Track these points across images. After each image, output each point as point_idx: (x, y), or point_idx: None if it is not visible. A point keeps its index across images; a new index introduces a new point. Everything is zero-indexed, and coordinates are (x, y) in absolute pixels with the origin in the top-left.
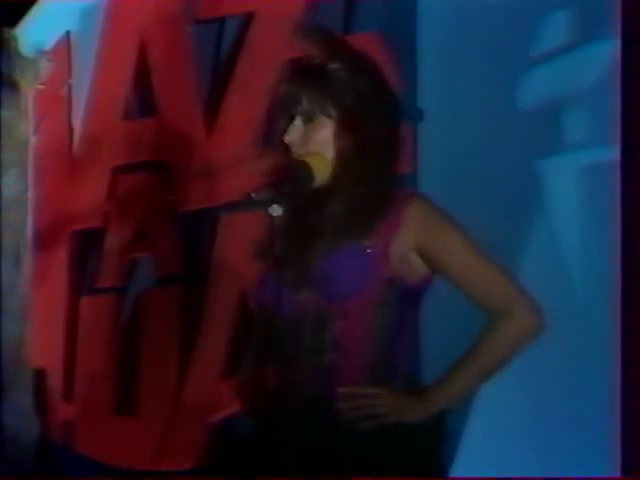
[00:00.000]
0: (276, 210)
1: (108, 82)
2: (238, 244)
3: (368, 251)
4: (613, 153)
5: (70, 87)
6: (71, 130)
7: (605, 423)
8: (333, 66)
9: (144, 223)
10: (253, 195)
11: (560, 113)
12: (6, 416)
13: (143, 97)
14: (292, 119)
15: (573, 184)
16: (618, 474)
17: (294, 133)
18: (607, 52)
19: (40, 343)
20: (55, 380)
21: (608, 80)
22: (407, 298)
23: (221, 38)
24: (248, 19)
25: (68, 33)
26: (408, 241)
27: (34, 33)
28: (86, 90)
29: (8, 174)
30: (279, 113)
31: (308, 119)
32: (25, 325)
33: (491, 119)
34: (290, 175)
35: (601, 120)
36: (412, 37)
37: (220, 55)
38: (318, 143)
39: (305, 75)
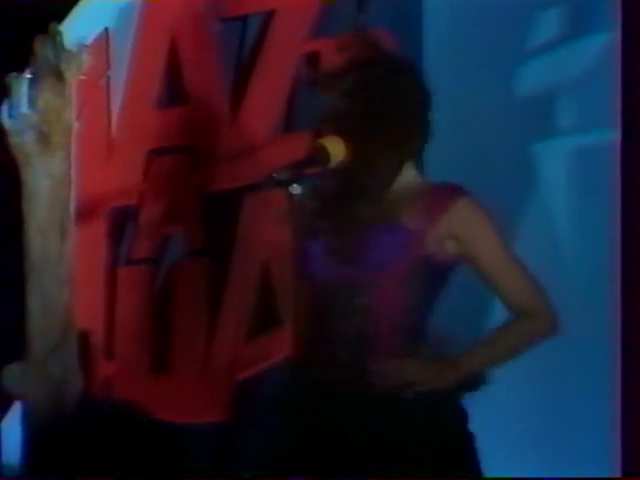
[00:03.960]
0: (296, 189)
1: (143, 74)
2: (260, 220)
3: (406, 230)
4: (606, 137)
5: (109, 78)
6: (110, 117)
7: (605, 423)
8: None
9: (175, 202)
10: (275, 175)
11: (556, 100)
12: (55, 369)
13: (174, 87)
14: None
15: (567, 166)
16: (618, 474)
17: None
18: (604, 42)
19: (84, 307)
20: (97, 340)
21: (603, 69)
22: (436, 274)
23: (244, 34)
24: (269, 16)
25: (107, 29)
26: (448, 230)
27: (77, 29)
28: (123, 81)
29: (55, 156)
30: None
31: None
32: (71, 291)
33: (492, 106)
34: (309, 157)
35: (595, 106)
36: (418, 32)
37: (244, 50)
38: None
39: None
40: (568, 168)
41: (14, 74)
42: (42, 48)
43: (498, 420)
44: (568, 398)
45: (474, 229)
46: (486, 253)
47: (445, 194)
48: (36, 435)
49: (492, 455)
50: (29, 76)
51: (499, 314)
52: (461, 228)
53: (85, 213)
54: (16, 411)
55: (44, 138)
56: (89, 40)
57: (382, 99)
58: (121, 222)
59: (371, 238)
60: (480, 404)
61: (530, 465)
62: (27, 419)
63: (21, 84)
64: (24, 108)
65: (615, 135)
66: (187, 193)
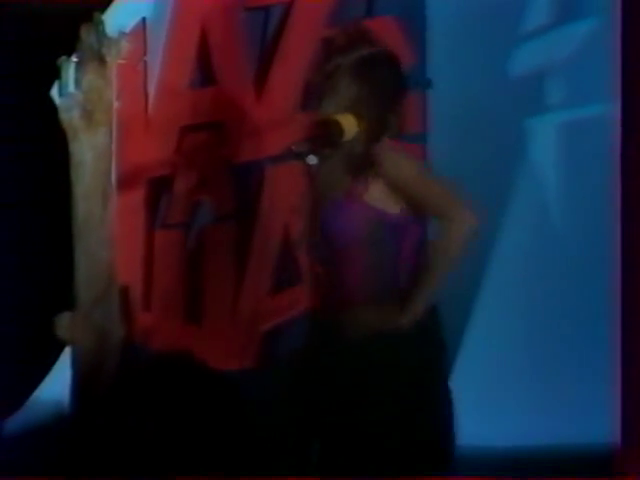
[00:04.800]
0: (312, 160)
1: (176, 58)
2: (281, 189)
3: (345, 202)
4: (592, 111)
5: (145, 62)
6: (146, 97)
7: (605, 389)
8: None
9: (205, 172)
10: (294, 148)
11: (547, 79)
12: (99, 318)
13: (204, 70)
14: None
15: (557, 138)
16: (618, 439)
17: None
18: (590, 27)
19: (124, 265)
20: (136, 294)
21: (590, 51)
22: (392, 232)
23: (267, 22)
24: (289, 6)
25: (144, 19)
26: (382, 184)
27: (117, 19)
28: (158, 65)
29: (98, 131)
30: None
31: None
32: (112, 251)
33: (489, 85)
34: (325, 131)
35: (582, 84)
36: (422, 19)
37: (266, 36)
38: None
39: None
40: (558, 139)
41: (63, 58)
42: (87, 35)
43: (497, 385)
44: (568, 362)
45: (393, 164)
46: (408, 180)
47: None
48: (84, 379)
49: (489, 419)
50: (75, 60)
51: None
52: (386, 170)
53: (125, 182)
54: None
55: (88, 115)
56: (128, 28)
57: (369, 82)
58: (157, 190)
59: (328, 214)
60: (475, 368)
61: (529, 430)
62: (75, 364)
63: (69, 67)
64: (71, 88)
65: (600, 109)
66: (216, 164)
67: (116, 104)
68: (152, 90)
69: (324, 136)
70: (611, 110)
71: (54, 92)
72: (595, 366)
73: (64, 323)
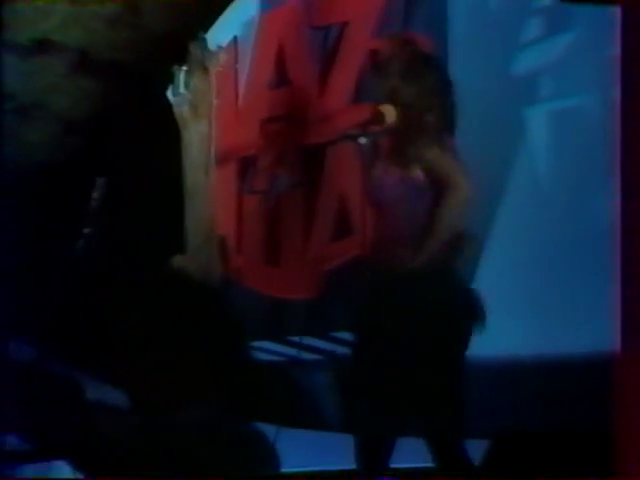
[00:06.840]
0: (362, 140)
1: (259, 66)
2: (339, 164)
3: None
4: (576, 103)
5: (237, 70)
6: (237, 95)
7: (605, 294)
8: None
9: (281, 152)
10: (348, 132)
11: (539, 77)
12: (203, 259)
13: (280, 74)
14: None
15: (548, 124)
16: (618, 346)
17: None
18: (571, 38)
19: (221, 220)
20: (230, 242)
21: (572, 55)
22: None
23: (327, 37)
24: (344, 25)
25: (236, 37)
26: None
27: (216, 37)
28: (246, 71)
29: (202, 121)
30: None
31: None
32: (212, 209)
33: (494, 82)
34: (371, 119)
35: (566, 81)
36: (444, 33)
37: (327, 48)
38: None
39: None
40: (548, 125)
41: (176, 67)
42: (193, 50)
43: (502, 293)
44: (569, 274)
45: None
46: (429, 155)
47: None
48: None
49: (491, 330)
50: (185, 68)
51: None
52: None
53: (221, 159)
54: None
55: (194, 109)
56: (224, 44)
57: (418, 82)
58: (245, 165)
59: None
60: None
61: (529, 340)
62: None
63: (180, 73)
64: (182, 89)
65: (584, 100)
66: (289, 146)
67: (215, 101)
68: (242, 90)
69: (370, 122)
70: (593, 101)
71: (169, 93)
72: (596, 274)
73: (178, 262)
